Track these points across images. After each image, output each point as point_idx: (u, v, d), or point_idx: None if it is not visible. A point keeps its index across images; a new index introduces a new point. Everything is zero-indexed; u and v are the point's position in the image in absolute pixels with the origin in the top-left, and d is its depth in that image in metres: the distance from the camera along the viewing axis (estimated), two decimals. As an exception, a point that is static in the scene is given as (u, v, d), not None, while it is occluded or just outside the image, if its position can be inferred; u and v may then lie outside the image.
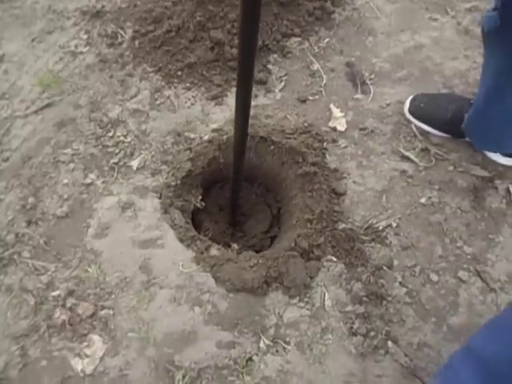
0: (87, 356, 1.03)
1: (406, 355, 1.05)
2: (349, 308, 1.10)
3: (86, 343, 1.05)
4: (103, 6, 1.62)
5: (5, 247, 1.16)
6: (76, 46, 1.54)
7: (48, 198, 1.24)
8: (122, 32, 1.55)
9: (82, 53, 1.52)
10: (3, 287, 1.11)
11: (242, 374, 1.01)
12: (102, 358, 1.03)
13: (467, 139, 1.31)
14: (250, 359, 1.03)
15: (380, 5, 1.65)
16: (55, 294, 1.10)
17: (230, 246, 1.26)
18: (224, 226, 1.43)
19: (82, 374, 1.01)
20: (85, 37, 1.56)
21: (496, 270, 1.15)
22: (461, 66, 1.49)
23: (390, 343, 1.06)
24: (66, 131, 1.36)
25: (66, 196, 1.24)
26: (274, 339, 1.06)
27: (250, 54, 0.74)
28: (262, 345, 1.05)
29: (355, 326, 1.07)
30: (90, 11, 1.61)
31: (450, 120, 1.29)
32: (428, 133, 1.35)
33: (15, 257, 1.15)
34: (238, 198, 1.27)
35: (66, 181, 1.27)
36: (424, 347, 1.06)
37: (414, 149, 1.33)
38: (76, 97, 1.42)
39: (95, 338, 1.05)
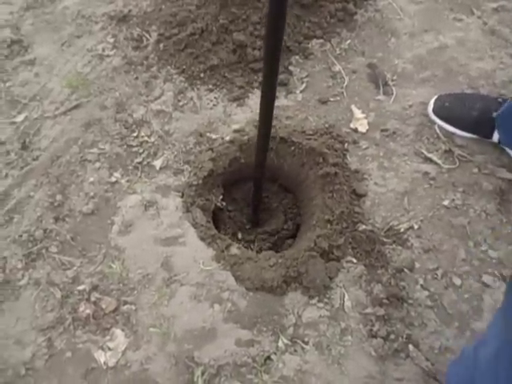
0: (110, 349, 1.06)
1: (427, 359, 1.03)
2: (369, 310, 1.09)
3: (108, 337, 1.07)
4: (130, 11, 1.67)
5: (33, 242, 1.21)
6: (103, 50, 1.59)
7: (75, 196, 1.28)
8: (147, 35, 1.59)
9: (108, 56, 1.57)
10: (31, 281, 1.16)
11: (261, 372, 1.02)
12: (124, 352, 1.05)
13: (493, 140, 1.28)
14: (269, 358, 1.04)
15: (403, 5, 1.64)
16: (80, 288, 1.13)
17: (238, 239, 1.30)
18: (244, 221, 1.44)
19: (104, 367, 1.04)
20: (112, 40, 1.61)
21: (522, 275, 1.11)
22: (486, 67, 1.46)
23: (410, 347, 1.04)
24: (93, 131, 1.40)
25: (91, 194, 1.28)
26: (292, 339, 1.06)
27: (275, 59, 0.75)
28: (280, 344, 1.05)
29: (375, 329, 1.06)
30: (116, 16, 1.66)
31: (476, 119, 1.27)
32: (452, 134, 1.33)
33: (43, 252, 1.20)
34: (260, 198, 1.28)
35: (92, 179, 1.31)
36: (446, 352, 1.04)
37: (437, 150, 1.31)
38: (102, 98, 1.47)
39: (118, 332, 1.08)
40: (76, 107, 1.46)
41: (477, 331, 1.06)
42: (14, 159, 1.36)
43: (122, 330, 1.08)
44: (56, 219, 1.24)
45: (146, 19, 1.64)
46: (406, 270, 1.13)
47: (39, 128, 1.43)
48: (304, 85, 1.48)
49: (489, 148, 1.30)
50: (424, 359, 1.03)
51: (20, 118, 1.45)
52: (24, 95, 1.50)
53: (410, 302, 1.10)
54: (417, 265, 1.14)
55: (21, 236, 1.22)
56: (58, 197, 1.28)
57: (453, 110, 1.31)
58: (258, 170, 1.11)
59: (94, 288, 1.13)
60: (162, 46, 1.55)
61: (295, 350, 1.04)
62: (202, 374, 1.01)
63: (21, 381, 1.03)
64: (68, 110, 1.45)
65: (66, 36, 1.64)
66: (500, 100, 1.24)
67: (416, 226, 1.19)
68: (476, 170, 1.27)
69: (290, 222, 1.45)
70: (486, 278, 1.12)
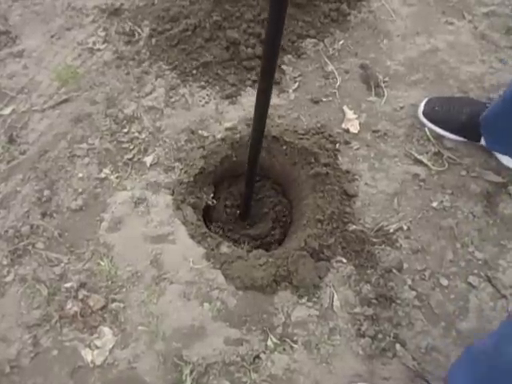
0: (97, 347, 1.04)
1: (413, 359, 1.05)
2: (357, 309, 1.10)
3: (96, 335, 1.06)
4: (121, 4, 1.64)
5: (20, 238, 1.19)
6: (94, 43, 1.56)
7: (63, 192, 1.26)
8: (139, 30, 1.57)
9: (99, 50, 1.55)
10: (17, 277, 1.14)
11: (249, 371, 1.02)
12: (111, 350, 1.04)
13: (481, 143, 1.30)
14: (258, 357, 1.04)
15: (396, 8, 1.65)
16: (68, 285, 1.12)
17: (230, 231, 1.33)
18: (234, 218, 1.43)
19: (91, 365, 1.03)
20: (103, 34, 1.58)
21: (507, 277, 1.14)
22: (476, 71, 1.48)
23: (398, 346, 1.06)
24: (82, 126, 1.38)
25: (80, 190, 1.26)
26: (281, 338, 1.06)
27: (274, 57, 0.75)
28: (269, 343, 1.05)
29: (363, 328, 1.07)
30: (108, 9, 1.63)
31: (464, 123, 1.28)
32: (441, 137, 1.35)
33: (30, 248, 1.18)
34: (251, 194, 1.27)
35: (80, 175, 1.29)
36: (432, 351, 1.06)
37: (426, 152, 1.33)
38: (93, 93, 1.45)
39: (105, 330, 1.07)
40: (65, 101, 1.43)
41: (462, 331, 1.07)
42: (0, 153, 1.33)
43: (110, 328, 1.07)
44: (43, 215, 1.22)
45: (138, 13, 1.62)
46: (394, 270, 1.15)
47: (27, 121, 1.40)
48: (296, 84, 1.48)
49: (477, 151, 1.32)
50: (411, 358, 1.04)
51: (7, 111, 1.42)
52: (11, 87, 1.47)
53: (398, 302, 1.11)
54: (405, 265, 1.16)
55: (7, 231, 1.19)
56: (46, 192, 1.25)
57: (442, 112, 1.32)
58: (252, 154, 1.08)
59: (82, 285, 1.12)
60: (154, 41, 1.53)
61: (284, 349, 1.05)
62: (191, 372, 1.01)
63: (5, 379, 1.01)
64: (57, 104, 1.43)
65: (56, 28, 1.61)
66: (488, 105, 1.26)
67: (405, 227, 1.21)
68: (464, 173, 1.29)
69: (278, 230, 1.39)
70: (472, 279, 1.14)
